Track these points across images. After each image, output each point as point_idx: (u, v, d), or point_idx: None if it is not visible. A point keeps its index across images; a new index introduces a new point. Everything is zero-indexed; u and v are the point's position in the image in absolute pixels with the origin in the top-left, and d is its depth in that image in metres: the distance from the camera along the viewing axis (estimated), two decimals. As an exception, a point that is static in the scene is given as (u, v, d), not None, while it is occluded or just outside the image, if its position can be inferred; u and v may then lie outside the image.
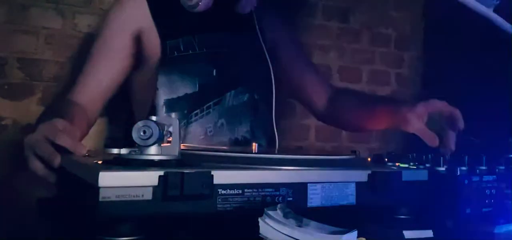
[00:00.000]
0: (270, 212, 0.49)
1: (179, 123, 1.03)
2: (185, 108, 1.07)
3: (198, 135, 1.07)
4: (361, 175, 0.61)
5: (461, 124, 0.88)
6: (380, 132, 1.85)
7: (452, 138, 0.89)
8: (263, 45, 1.16)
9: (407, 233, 0.59)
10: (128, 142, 0.55)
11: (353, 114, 1.16)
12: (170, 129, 0.56)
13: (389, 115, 0.99)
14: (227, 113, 1.11)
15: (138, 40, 1.10)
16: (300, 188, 0.57)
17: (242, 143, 1.11)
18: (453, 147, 0.88)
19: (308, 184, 0.57)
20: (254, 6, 1.14)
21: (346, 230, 0.49)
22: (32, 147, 0.73)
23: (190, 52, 1.09)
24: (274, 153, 0.72)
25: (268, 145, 1.16)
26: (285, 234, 0.48)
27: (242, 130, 1.13)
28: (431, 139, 0.87)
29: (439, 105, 0.91)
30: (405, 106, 0.94)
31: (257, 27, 1.17)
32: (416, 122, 0.90)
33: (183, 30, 1.09)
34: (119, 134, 1.32)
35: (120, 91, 1.12)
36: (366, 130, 1.32)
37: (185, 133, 1.06)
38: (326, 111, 1.25)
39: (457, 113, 0.89)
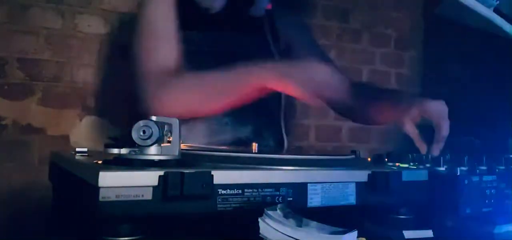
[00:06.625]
0: (270, 212, 0.49)
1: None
2: None
3: (202, 134, 1.08)
4: (361, 175, 0.61)
5: (444, 133, 0.86)
6: (380, 132, 1.85)
7: (436, 149, 0.87)
8: (273, 47, 1.16)
9: (407, 233, 0.59)
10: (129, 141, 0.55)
11: (365, 108, 1.11)
12: (170, 129, 0.56)
13: (390, 111, 0.98)
14: (232, 113, 1.11)
15: None
16: (300, 188, 0.57)
17: (246, 143, 1.11)
18: (435, 153, 0.86)
19: (308, 184, 0.57)
20: (268, 9, 1.15)
21: (346, 230, 0.49)
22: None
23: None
24: (274, 153, 0.72)
25: (275, 146, 1.15)
26: (285, 234, 0.48)
27: (247, 130, 1.12)
28: (420, 147, 0.90)
29: (430, 110, 0.89)
30: (403, 104, 0.94)
31: (267, 30, 1.17)
32: (409, 125, 0.91)
33: (194, 28, 1.09)
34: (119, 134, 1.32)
35: (120, 91, 1.12)
36: (377, 123, 1.30)
37: (189, 132, 1.06)
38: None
39: (442, 124, 0.87)
